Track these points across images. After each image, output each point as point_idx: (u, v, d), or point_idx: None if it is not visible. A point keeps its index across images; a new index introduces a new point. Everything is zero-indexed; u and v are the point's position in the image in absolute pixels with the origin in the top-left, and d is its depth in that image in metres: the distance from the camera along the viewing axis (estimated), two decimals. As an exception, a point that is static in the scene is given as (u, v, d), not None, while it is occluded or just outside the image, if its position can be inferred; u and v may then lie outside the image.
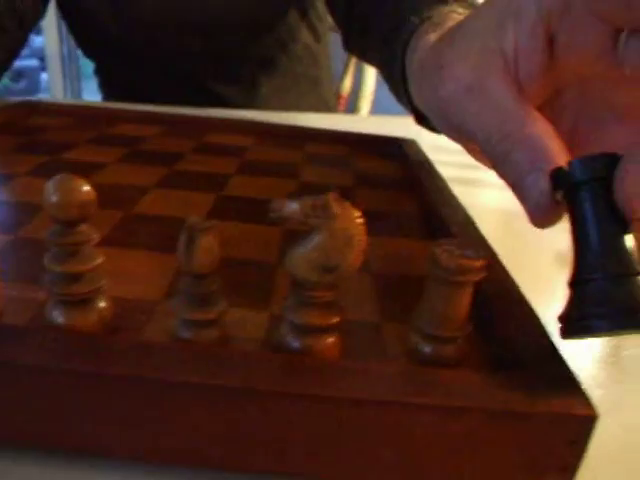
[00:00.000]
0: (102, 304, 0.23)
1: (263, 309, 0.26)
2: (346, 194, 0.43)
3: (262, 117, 0.64)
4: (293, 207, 0.19)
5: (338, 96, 1.18)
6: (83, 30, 0.83)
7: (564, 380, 0.21)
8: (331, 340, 0.22)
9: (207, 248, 0.20)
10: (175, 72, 0.79)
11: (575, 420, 0.20)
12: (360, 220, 0.20)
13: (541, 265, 0.23)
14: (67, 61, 2.13)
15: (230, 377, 0.19)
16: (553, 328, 0.23)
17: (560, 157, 0.24)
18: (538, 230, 0.24)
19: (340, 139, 0.59)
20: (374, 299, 0.29)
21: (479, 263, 0.21)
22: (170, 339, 0.23)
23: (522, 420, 0.20)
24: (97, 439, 0.20)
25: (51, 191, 0.21)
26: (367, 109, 1.20)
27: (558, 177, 0.23)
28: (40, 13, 0.76)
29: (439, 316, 0.22)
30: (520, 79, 0.27)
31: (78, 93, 2.24)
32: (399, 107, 0.48)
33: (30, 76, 2.90)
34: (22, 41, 0.74)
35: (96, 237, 0.22)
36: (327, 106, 0.95)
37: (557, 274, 0.22)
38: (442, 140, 0.34)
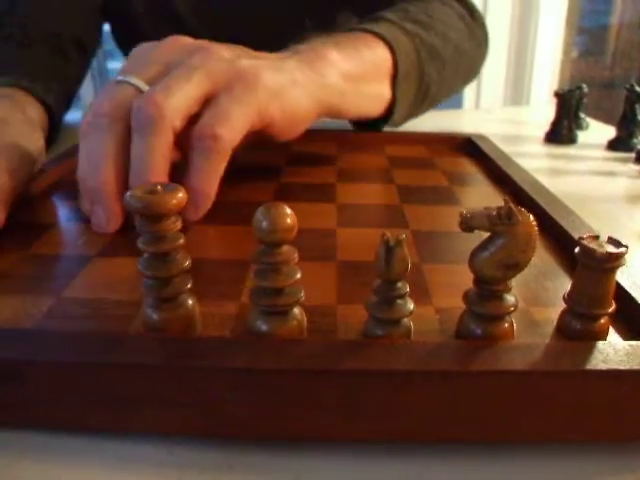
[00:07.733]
0: (299, 312, 0.27)
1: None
2: (446, 193, 0.47)
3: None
4: (480, 217, 0.23)
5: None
6: (131, 38, 0.86)
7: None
8: (506, 325, 0.26)
9: (402, 258, 0.24)
10: None
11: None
12: (534, 222, 0.24)
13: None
14: (97, 75, 2.14)
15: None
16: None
17: None
18: (619, 213, 0.27)
19: (417, 140, 0.62)
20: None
21: (622, 251, 0.24)
22: (362, 337, 0.27)
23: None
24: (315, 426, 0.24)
25: (260, 218, 0.25)
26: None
27: None
28: (98, 39, 0.80)
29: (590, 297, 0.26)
30: None
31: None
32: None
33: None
34: (85, 69, 0.78)
35: (296, 257, 0.26)
36: None
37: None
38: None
